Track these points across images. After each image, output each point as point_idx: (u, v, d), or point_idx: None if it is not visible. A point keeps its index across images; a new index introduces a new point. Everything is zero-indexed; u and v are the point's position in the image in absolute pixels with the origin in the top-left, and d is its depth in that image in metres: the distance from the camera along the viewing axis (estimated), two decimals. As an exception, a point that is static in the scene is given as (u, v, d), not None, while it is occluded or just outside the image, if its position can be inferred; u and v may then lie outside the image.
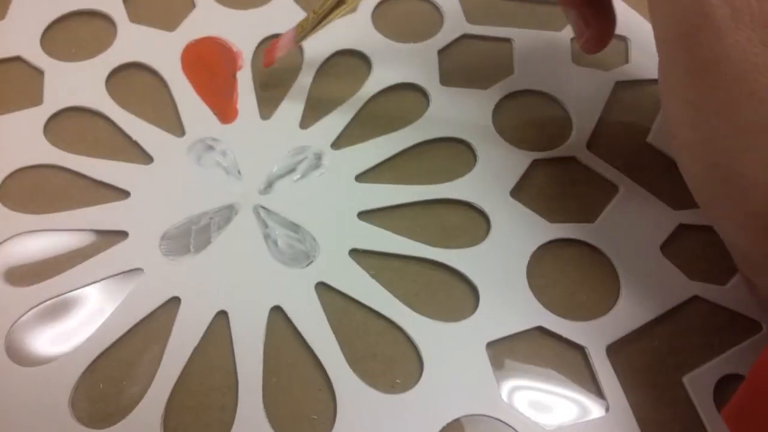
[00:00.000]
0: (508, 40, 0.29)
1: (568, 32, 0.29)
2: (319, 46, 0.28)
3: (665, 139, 0.26)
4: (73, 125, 0.26)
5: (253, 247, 0.23)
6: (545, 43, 0.29)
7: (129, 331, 0.22)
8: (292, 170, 0.25)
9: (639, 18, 0.29)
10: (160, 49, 0.28)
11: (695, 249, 0.24)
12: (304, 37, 0.25)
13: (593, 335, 0.22)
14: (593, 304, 0.23)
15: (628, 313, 0.22)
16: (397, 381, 0.21)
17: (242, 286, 0.23)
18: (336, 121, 0.26)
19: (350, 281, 0.23)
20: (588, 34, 0.24)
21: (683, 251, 0.24)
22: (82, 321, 0.22)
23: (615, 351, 0.22)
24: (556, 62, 0.28)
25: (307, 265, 0.23)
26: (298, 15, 0.29)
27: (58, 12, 0.29)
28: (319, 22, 0.24)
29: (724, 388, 0.22)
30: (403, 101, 0.27)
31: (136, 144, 0.26)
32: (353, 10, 0.25)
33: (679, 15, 0.17)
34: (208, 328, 0.22)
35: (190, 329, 0.22)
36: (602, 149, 0.26)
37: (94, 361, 0.21)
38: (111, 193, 0.24)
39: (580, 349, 0.22)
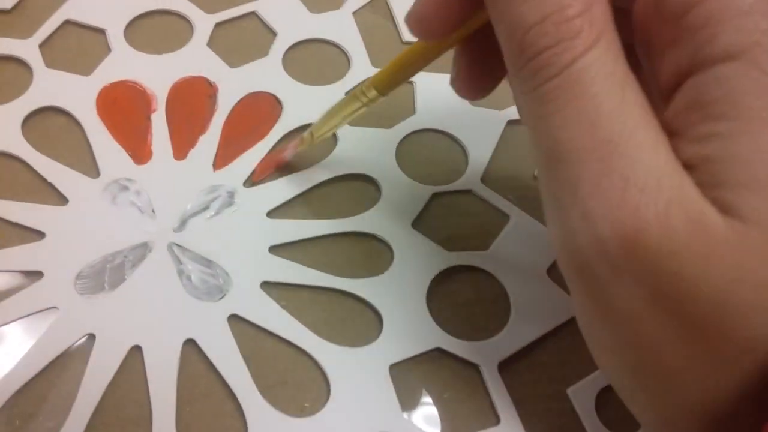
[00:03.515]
0: (410, 82, 0.31)
1: (465, 74, 0.31)
2: (232, 87, 0.30)
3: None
4: (-13, 169, 0.27)
5: (167, 283, 0.24)
6: (444, 85, 0.31)
7: (45, 368, 0.22)
8: (205, 208, 0.26)
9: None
10: (75, 93, 0.29)
11: (578, 271, 0.26)
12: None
13: (486, 353, 0.24)
14: (487, 324, 0.25)
15: (517, 332, 0.25)
16: (306, 405, 0.23)
17: (156, 321, 0.24)
18: (248, 160, 0.28)
19: (261, 312, 0.24)
20: (457, 70, 0.23)
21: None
22: (-4, 360, 0.22)
23: (506, 367, 0.24)
24: (454, 103, 0.30)
25: (220, 299, 0.24)
26: (212, 59, 0.31)
27: (-27, 57, 0.29)
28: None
29: (605, 397, 0.24)
30: (312, 140, 0.29)
31: (51, 186, 0.26)
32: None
33: (568, 260, 0.17)
34: (122, 362, 0.23)
35: (105, 364, 0.23)
36: (495, 183, 0.28)
37: (10, 399, 0.22)
38: (26, 234, 0.25)
39: (474, 367, 0.24)
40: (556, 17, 0.15)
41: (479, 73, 0.22)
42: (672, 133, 0.16)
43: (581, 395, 0.24)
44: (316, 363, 0.24)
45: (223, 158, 0.28)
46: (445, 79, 0.31)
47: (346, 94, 0.30)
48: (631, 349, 0.16)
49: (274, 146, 0.28)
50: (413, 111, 0.30)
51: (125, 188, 0.26)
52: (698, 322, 0.15)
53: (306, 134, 0.27)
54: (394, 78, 0.23)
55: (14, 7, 0.32)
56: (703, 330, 0.15)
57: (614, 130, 0.15)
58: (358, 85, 0.24)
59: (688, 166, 0.15)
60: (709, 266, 0.14)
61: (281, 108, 0.30)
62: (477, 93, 0.23)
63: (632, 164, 0.15)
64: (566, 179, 0.16)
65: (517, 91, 0.17)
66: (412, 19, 0.19)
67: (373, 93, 0.24)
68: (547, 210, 0.17)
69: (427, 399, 0.23)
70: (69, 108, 0.28)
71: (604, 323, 0.17)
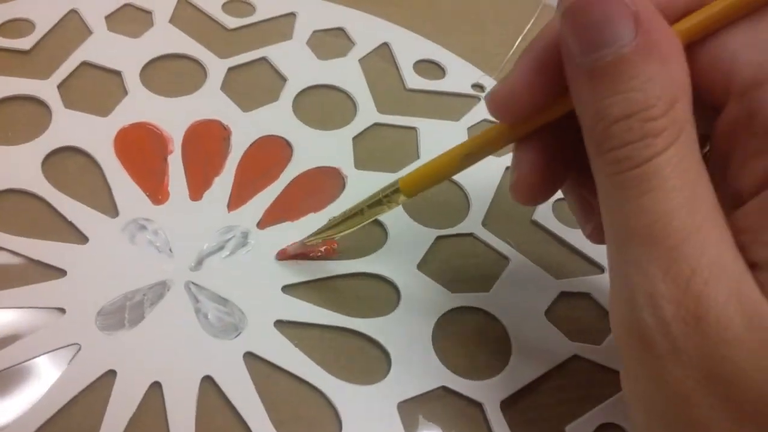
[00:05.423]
0: (413, 128, 0.33)
1: (465, 121, 0.33)
2: (245, 131, 0.31)
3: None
4: (10, 207, 0.28)
5: (185, 320, 0.25)
6: (446, 131, 0.33)
7: (67, 404, 0.23)
8: (221, 248, 0.28)
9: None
10: (93, 134, 0.30)
11: (574, 313, 0.28)
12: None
13: (489, 392, 0.25)
14: (490, 364, 0.26)
15: (518, 372, 0.26)
16: (319, 440, 0.24)
17: (175, 358, 0.25)
18: (261, 202, 0.29)
19: (275, 350, 0.25)
20: (592, 225, 0.24)
21: (564, 315, 0.28)
22: (21, 396, 0.23)
23: (508, 406, 0.25)
24: (456, 149, 0.32)
25: (236, 337, 0.25)
26: (225, 102, 0.32)
27: (-6, 97, 0.31)
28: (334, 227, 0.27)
29: (601, 434, 0.25)
30: (321, 183, 0.30)
31: (71, 224, 0.27)
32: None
33: (628, 333, 0.17)
34: (143, 398, 0.24)
35: (126, 400, 0.23)
36: (495, 226, 0.30)
37: (33, 434, 0.23)
38: (48, 272, 0.26)
39: (478, 406, 0.25)
40: (642, 116, 0.16)
41: (540, 179, 0.22)
42: (740, 230, 0.17)
43: (579, 432, 0.25)
44: (327, 400, 0.25)
45: (237, 199, 0.29)
46: (445, 125, 0.33)
47: (353, 139, 0.32)
48: (684, 425, 0.17)
49: (309, 237, 0.27)
50: (417, 156, 0.32)
51: (143, 228, 0.27)
52: (748, 408, 0.16)
53: (328, 234, 0.27)
54: (424, 183, 0.24)
55: (32, 48, 0.33)
56: (752, 416, 0.16)
57: (685, 222, 0.16)
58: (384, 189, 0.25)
59: (756, 266, 0.16)
60: (761, 358, 0.15)
61: (291, 151, 0.31)
62: (535, 199, 0.23)
63: (699, 256, 0.16)
64: (637, 260, 0.17)
65: (596, 170, 0.18)
66: (493, 98, 0.20)
67: (400, 198, 0.25)
68: (613, 283, 0.18)
69: (433, 435, 0.25)
70: (88, 148, 0.30)
71: (657, 396, 0.17)
